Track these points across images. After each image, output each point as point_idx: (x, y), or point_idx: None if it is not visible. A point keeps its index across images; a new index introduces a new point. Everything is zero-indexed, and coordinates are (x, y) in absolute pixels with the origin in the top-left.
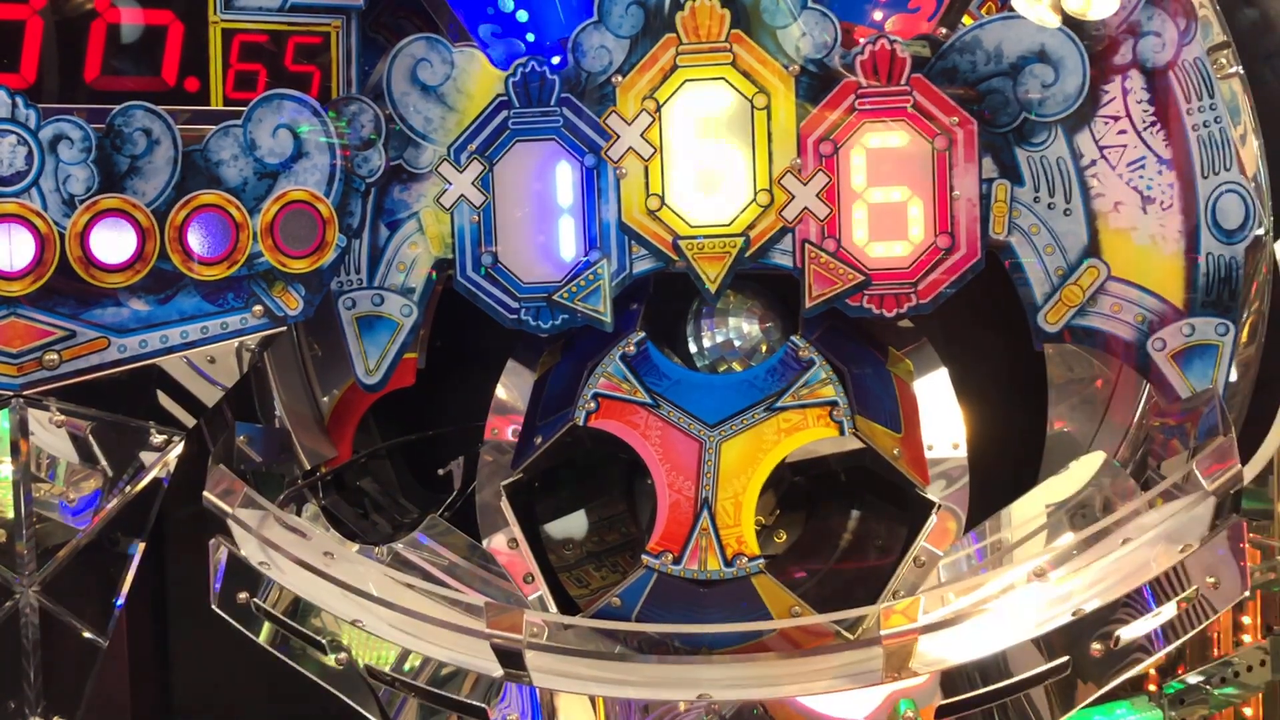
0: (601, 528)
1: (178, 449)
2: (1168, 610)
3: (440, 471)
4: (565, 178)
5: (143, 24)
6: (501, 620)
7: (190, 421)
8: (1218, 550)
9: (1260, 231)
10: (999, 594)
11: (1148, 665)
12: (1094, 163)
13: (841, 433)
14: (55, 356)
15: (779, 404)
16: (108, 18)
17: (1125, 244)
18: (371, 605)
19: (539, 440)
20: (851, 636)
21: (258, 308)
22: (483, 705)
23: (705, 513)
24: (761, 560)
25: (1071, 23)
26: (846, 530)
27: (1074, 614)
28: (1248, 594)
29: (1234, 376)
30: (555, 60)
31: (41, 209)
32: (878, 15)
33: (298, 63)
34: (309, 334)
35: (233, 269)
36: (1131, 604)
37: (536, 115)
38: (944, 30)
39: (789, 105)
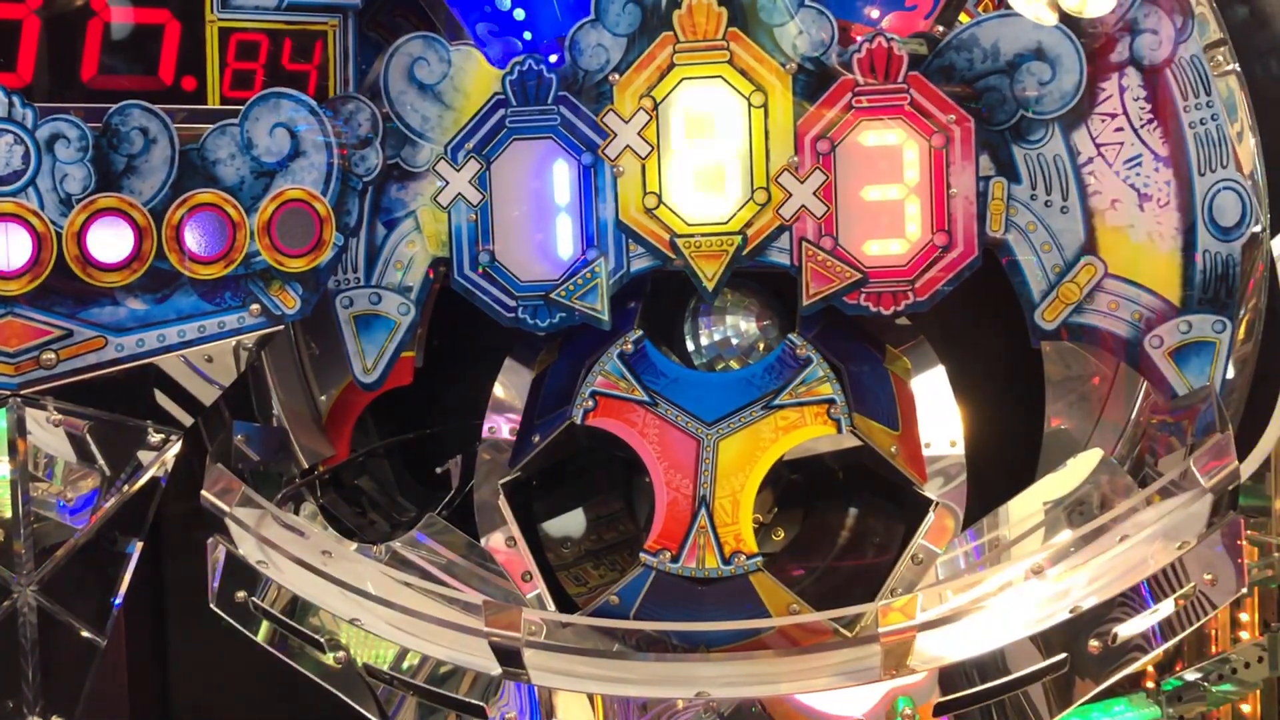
0: (599, 526)
1: (175, 448)
2: (1165, 607)
3: (438, 470)
4: (563, 176)
5: (139, 23)
6: (500, 618)
7: (188, 420)
8: (1215, 547)
9: (1257, 229)
10: (997, 591)
11: (1146, 662)
12: (1091, 160)
13: (839, 430)
14: (52, 356)
15: (777, 402)
16: (104, 16)
17: (1122, 241)
18: (370, 604)
19: (537, 438)
20: (849, 634)
21: (255, 306)
22: (481, 704)
23: (703, 511)
24: (759, 558)
25: (1068, 20)
26: (844, 528)
27: (1071, 611)
28: (1245, 591)
29: (1231, 373)
30: (552, 58)
31: (38, 208)
32: (875, 13)
33: (294, 61)
34: (306, 333)
35: (230, 268)
36: (1129, 601)
37: (534, 113)
38: (941, 28)
39: (786, 103)
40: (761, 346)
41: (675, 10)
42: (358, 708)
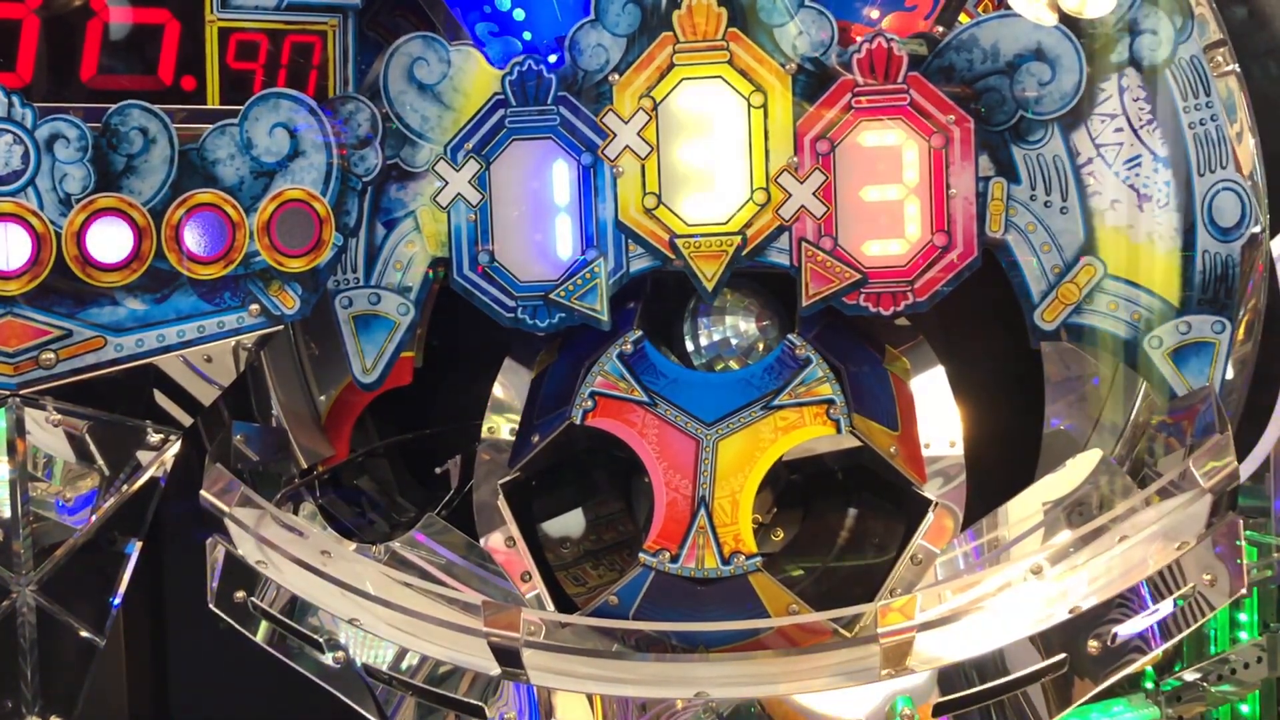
0: (599, 526)
1: (174, 448)
2: (1164, 607)
3: (437, 470)
4: (562, 176)
5: (139, 23)
6: (499, 619)
7: (187, 420)
8: (1214, 548)
9: (1256, 229)
10: (996, 592)
11: (1145, 662)
12: (1090, 161)
13: (838, 431)
14: (52, 356)
15: (776, 402)
16: (104, 16)
17: (1122, 242)
18: (369, 604)
19: (536, 439)
20: (849, 634)
21: (254, 307)
22: (480, 704)
23: (702, 511)
24: (759, 558)
25: (1068, 20)
26: (844, 528)
27: (1071, 611)
28: (1244, 591)
29: (1230, 374)
30: (552, 59)
31: (38, 208)
32: (874, 13)
33: (294, 61)
34: (306, 333)
35: (229, 268)
36: (1128, 601)
37: (533, 114)
38: (941, 28)
39: (786, 103)
40: (761, 347)
41: (675, 10)
42: (357, 708)
